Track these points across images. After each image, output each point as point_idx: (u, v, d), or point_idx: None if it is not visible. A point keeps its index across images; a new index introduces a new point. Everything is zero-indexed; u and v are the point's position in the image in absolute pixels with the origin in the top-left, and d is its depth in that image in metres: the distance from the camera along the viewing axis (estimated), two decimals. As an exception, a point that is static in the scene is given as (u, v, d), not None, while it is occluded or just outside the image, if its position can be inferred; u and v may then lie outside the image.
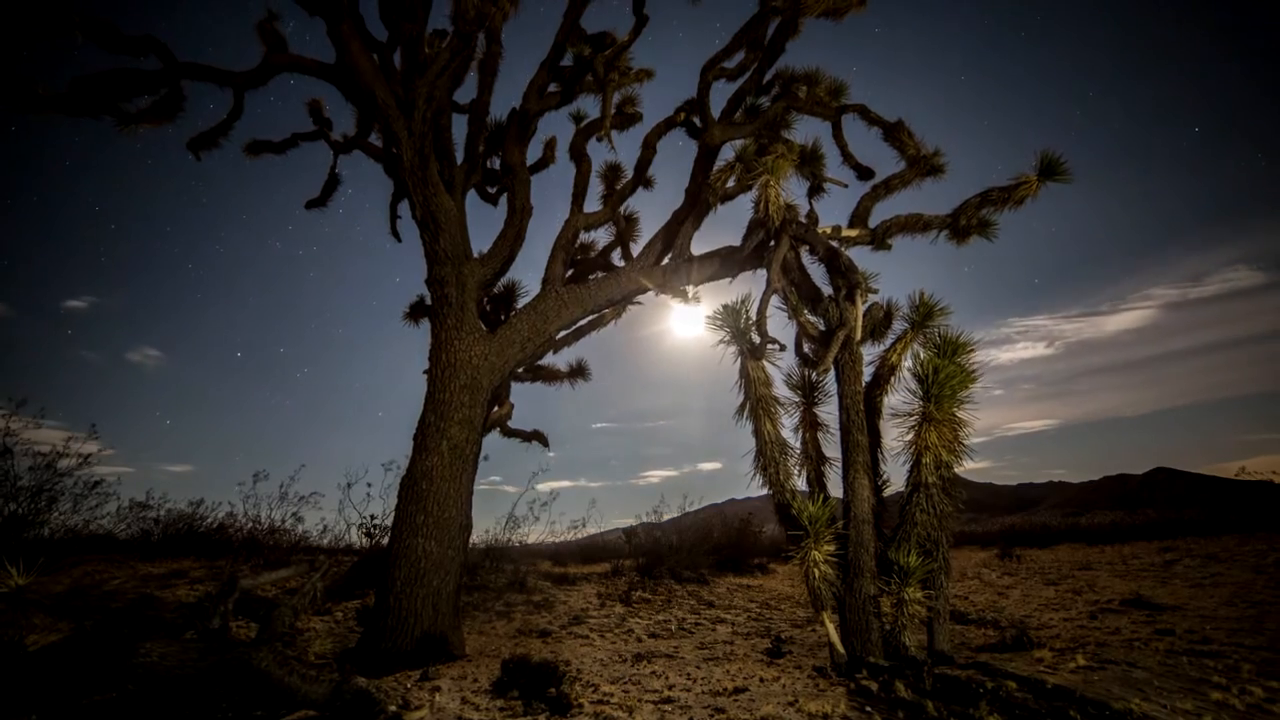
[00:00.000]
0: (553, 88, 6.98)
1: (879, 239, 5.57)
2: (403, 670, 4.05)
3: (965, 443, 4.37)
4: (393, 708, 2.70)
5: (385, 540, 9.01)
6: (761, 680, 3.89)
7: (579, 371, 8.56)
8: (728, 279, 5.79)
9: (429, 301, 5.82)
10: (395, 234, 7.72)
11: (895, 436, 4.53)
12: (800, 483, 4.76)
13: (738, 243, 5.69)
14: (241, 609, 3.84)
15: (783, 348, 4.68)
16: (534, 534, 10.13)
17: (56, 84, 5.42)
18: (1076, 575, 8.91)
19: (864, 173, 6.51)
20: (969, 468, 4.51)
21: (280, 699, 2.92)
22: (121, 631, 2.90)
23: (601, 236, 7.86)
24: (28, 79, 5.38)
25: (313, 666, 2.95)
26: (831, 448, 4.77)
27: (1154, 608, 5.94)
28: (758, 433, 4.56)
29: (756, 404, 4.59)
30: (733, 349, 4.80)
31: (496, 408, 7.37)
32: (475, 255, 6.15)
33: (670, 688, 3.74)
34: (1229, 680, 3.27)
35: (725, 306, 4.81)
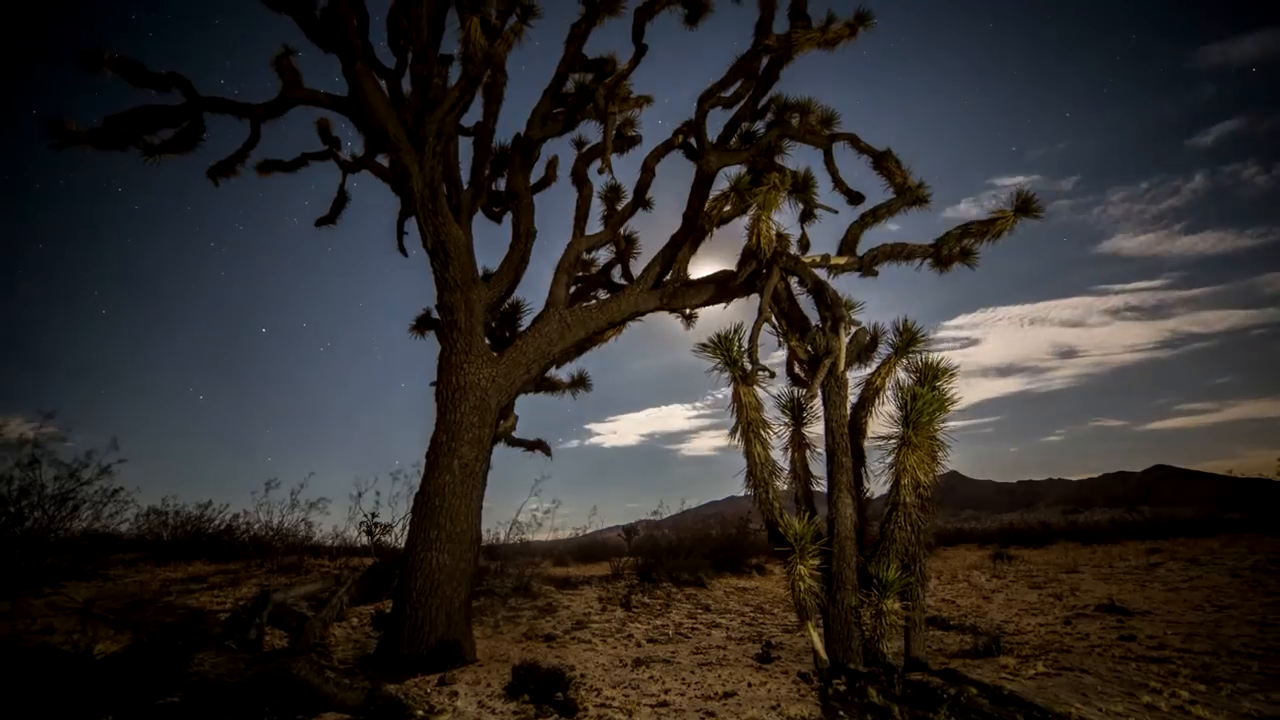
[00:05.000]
0: (556, 111, 7.28)
1: (866, 266, 5.89)
2: (420, 675, 4.40)
3: (943, 464, 4.72)
4: (420, 712, 3.05)
5: (386, 538, 9.43)
6: (750, 685, 4.23)
7: (580, 382, 8.94)
8: (722, 305, 6.12)
9: (435, 315, 6.17)
10: (402, 250, 8.02)
11: (878, 458, 4.87)
12: (787, 483, 5.14)
13: (733, 258, 6.03)
14: (273, 620, 4.19)
15: (773, 375, 5.01)
16: (536, 535, 10.53)
17: (67, 110, 5.78)
18: (1062, 579, 9.25)
19: (854, 197, 6.81)
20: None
21: (316, 704, 3.27)
22: (175, 643, 3.25)
23: (603, 253, 8.22)
24: (59, 116, 5.74)
25: (343, 674, 3.30)
26: (819, 465, 5.13)
27: (1125, 613, 6.28)
28: (749, 454, 4.89)
29: (748, 427, 4.92)
30: (725, 374, 5.12)
31: (502, 420, 7.72)
32: (481, 272, 6.48)
33: (666, 692, 4.09)
34: (1164, 685, 3.61)
35: (719, 335, 5.13)
